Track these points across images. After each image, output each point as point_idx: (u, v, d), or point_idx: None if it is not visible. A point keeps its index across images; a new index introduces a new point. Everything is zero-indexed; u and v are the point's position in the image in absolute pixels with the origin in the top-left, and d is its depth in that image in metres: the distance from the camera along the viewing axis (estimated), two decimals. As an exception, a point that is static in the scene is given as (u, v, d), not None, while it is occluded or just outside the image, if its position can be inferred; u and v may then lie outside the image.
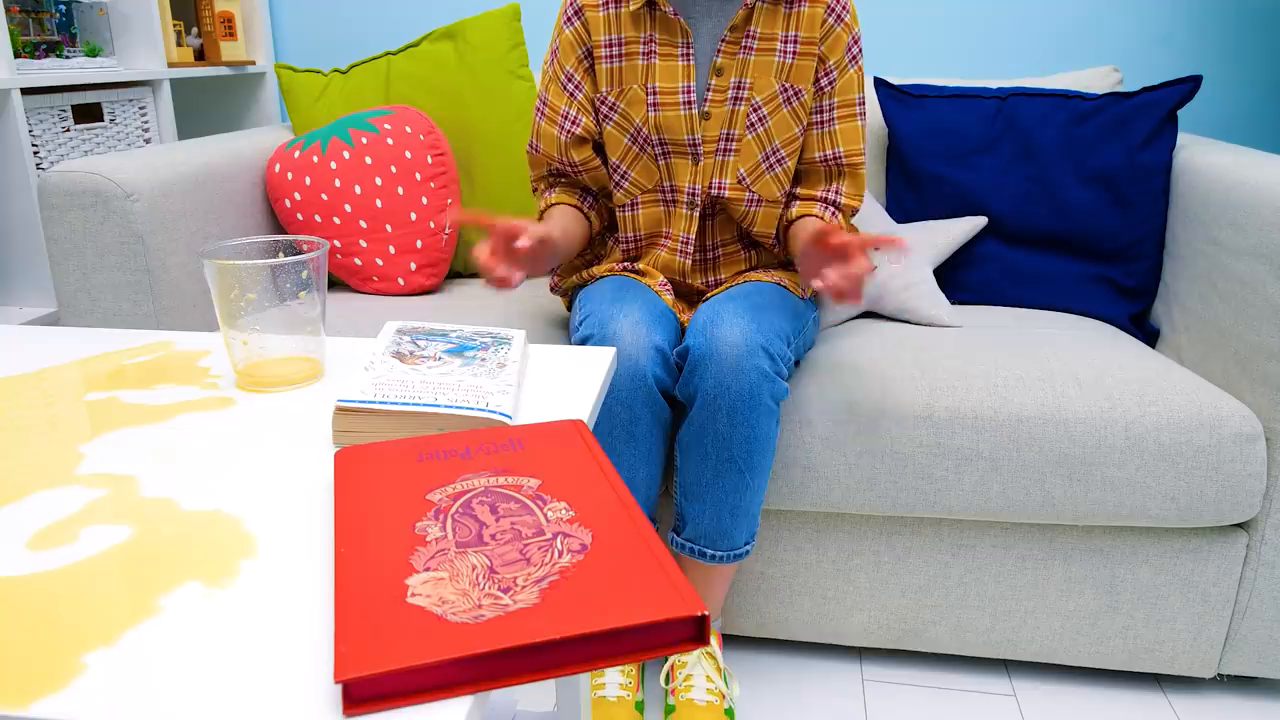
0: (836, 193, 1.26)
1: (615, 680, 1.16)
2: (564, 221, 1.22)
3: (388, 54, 1.68)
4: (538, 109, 1.28)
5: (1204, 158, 1.35)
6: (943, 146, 1.53)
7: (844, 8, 1.21)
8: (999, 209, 1.50)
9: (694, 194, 1.24)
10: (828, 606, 1.28)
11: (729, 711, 1.16)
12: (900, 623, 1.27)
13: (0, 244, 1.59)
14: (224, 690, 0.38)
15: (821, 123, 1.25)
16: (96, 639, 0.41)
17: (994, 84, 1.63)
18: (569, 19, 1.24)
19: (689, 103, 1.21)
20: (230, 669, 0.39)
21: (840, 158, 1.25)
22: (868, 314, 1.46)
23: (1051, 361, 1.21)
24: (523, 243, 0.97)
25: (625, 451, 1.10)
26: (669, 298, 1.25)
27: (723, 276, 1.31)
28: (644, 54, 1.21)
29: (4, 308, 1.61)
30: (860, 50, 1.24)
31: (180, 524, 0.51)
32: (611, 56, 1.23)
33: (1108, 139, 1.45)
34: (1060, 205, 1.47)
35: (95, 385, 0.71)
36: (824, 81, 1.23)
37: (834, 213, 1.27)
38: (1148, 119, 1.43)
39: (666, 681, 1.19)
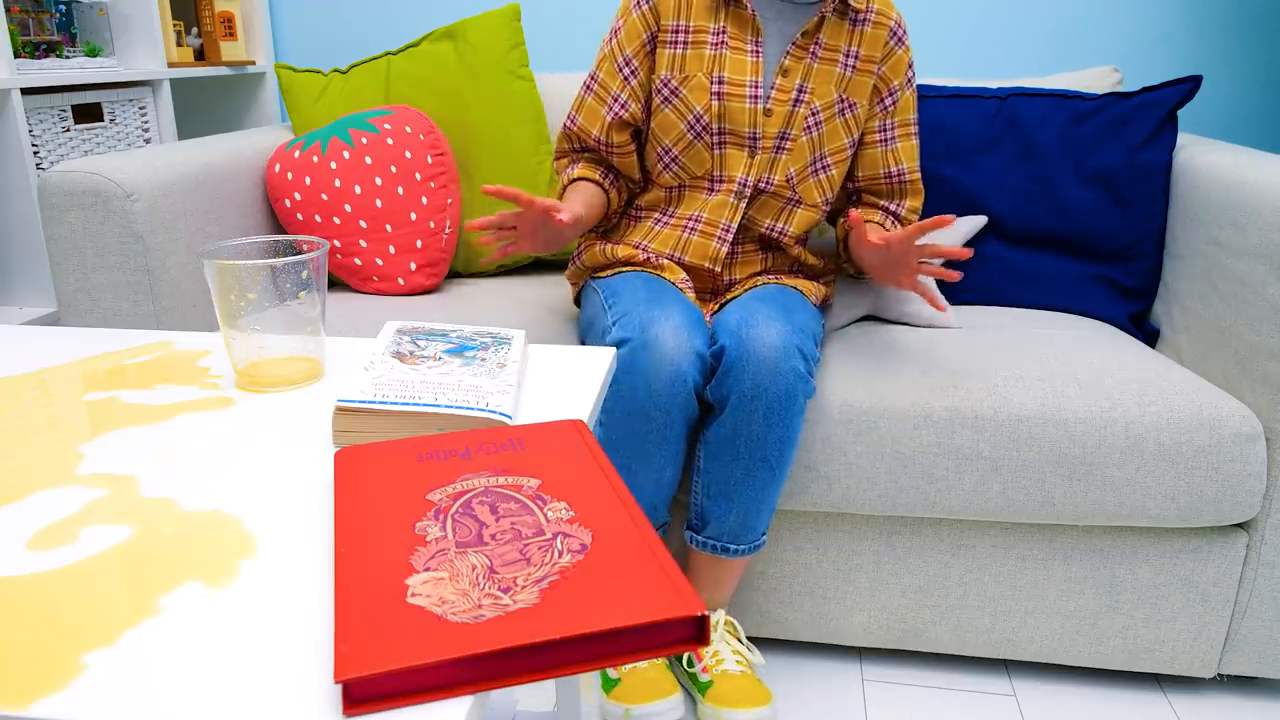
0: (899, 206, 1.33)
1: None
2: (587, 197, 1.25)
3: (388, 54, 1.68)
4: (587, 85, 1.31)
5: (1204, 158, 1.35)
6: (943, 146, 1.53)
7: (904, 31, 1.28)
8: (999, 209, 1.50)
9: (745, 185, 1.26)
10: (828, 606, 1.28)
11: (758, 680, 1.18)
12: (900, 623, 1.27)
13: (0, 244, 1.59)
14: (224, 690, 0.38)
15: (884, 140, 1.31)
16: (96, 639, 0.41)
17: (994, 84, 1.63)
18: (638, 3, 1.26)
19: (755, 97, 1.23)
20: (230, 669, 0.39)
21: (904, 174, 1.32)
22: (868, 317, 1.46)
23: (1051, 361, 1.21)
24: (563, 217, 1.06)
25: (656, 453, 1.10)
26: (692, 295, 1.25)
27: (737, 277, 1.32)
28: (713, 44, 1.23)
29: (4, 308, 1.61)
30: (914, 74, 1.32)
31: (180, 524, 0.51)
32: (677, 42, 1.25)
33: (1108, 139, 1.45)
34: (1060, 205, 1.47)
35: (95, 385, 0.71)
36: (888, 101, 1.29)
37: (894, 223, 1.33)
38: (1148, 119, 1.43)
39: (690, 665, 1.19)
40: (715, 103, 1.23)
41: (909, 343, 1.30)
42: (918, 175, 1.32)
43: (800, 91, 1.24)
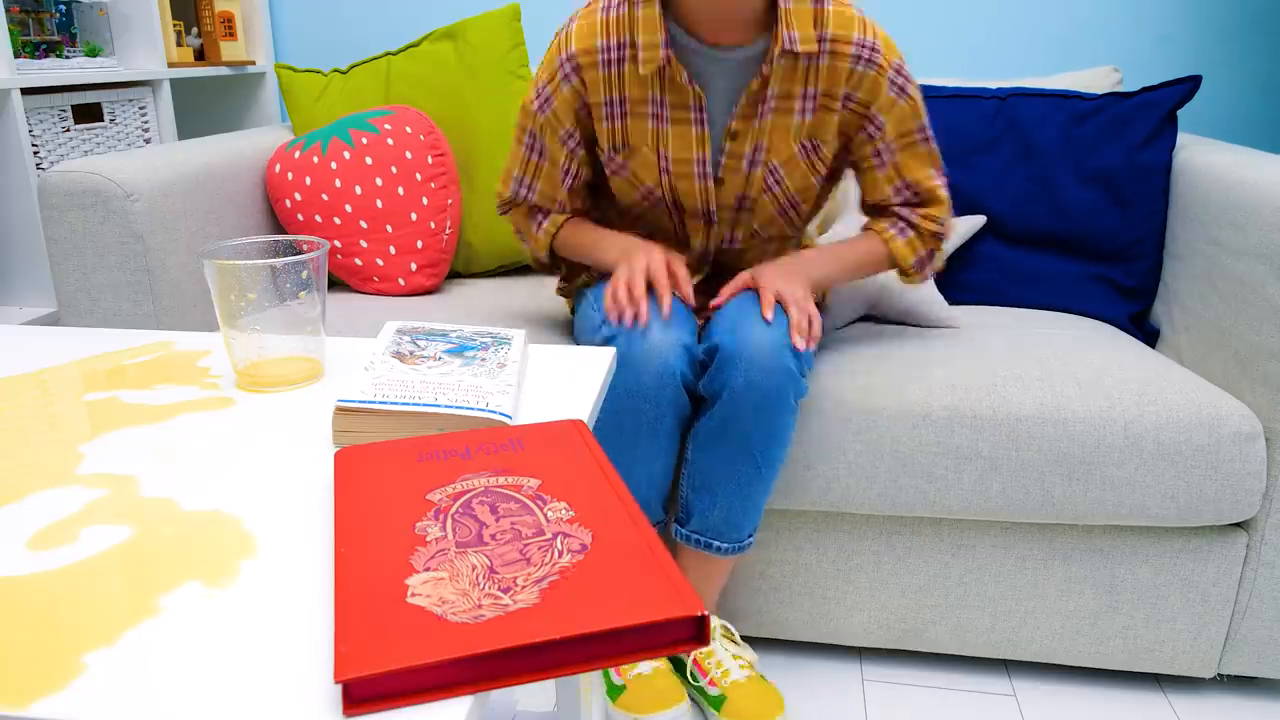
0: (913, 213, 1.21)
1: None
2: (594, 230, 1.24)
3: (388, 54, 1.68)
4: (534, 148, 1.22)
5: (1204, 158, 1.35)
6: (943, 146, 1.53)
7: (872, 49, 1.11)
8: (999, 209, 1.50)
9: (706, 255, 1.25)
10: (828, 606, 1.28)
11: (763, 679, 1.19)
12: (900, 623, 1.27)
13: (0, 244, 1.59)
14: (224, 690, 0.38)
15: (882, 164, 1.18)
16: (96, 639, 0.41)
17: (994, 84, 1.63)
18: (565, 76, 1.16)
19: (704, 175, 1.17)
20: (230, 669, 0.39)
21: (914, 187, 1.19)
22: (867, 317, 1.46)
23: (1051, 361, 1.21)
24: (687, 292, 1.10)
25: (647, 447, 1.10)
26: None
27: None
28: (653, 114, 1.15)
29: (4, 308, 1.61)
30: (906, 79, 1.14)
31: (180, 524, 0.51)
32: (614, 115, 1.17)
33: (1108, 139, 1.45)
34: (1060, 205, 1.47)
35: (95, 385, 0.71)
36: (872, 130, 1.16)
37: (904, 228, 1.21)
38: (1148, 119, 1.43)
39: (694, 679, 1.19)
40: (665, 177, 1.18)
41: (908, 342, 1.30)
42: (933, 185, 1.18)
43: (755, 152, 1.15)
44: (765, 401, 1.06)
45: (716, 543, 1.14)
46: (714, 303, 1.15)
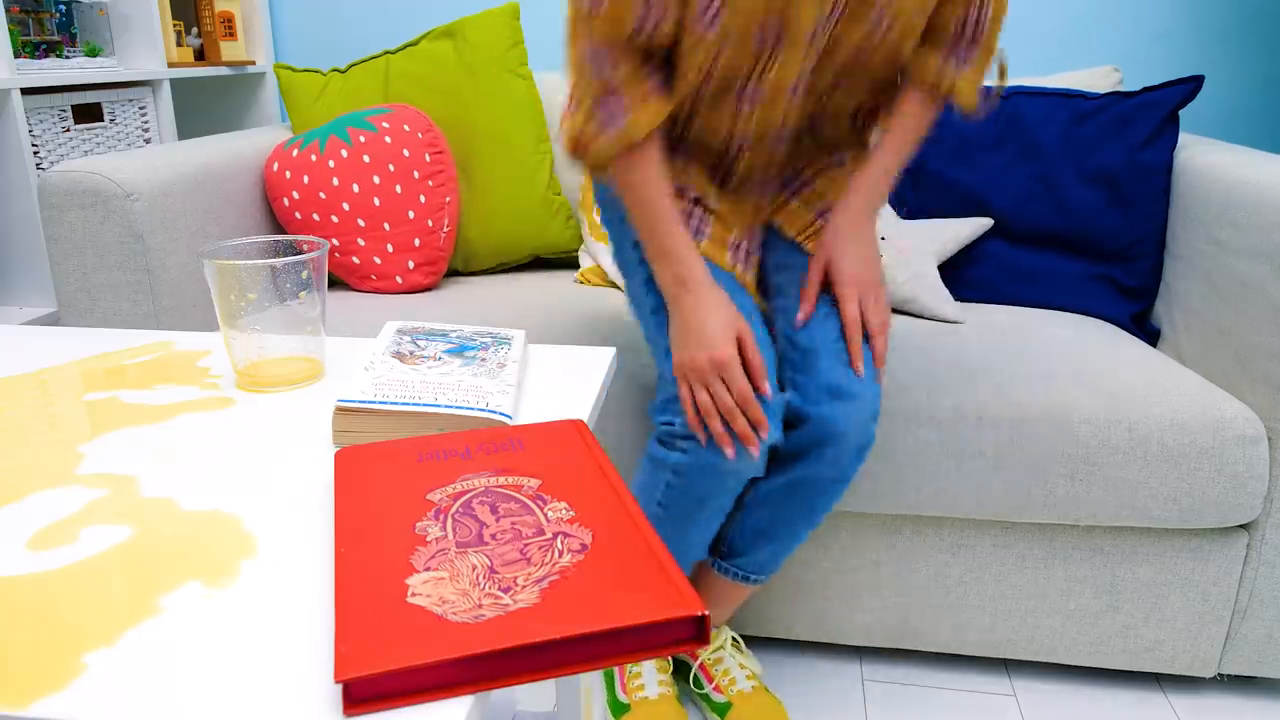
0: (963, 60, 0.98)
1: (653, 678, 1.16)
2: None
3: (387, 53, 1.68)
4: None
5: (1205, 157, 1.35)
6: (946, 145, 1.53)
7: None
8: (1001, 207, 1.50)
9: (780, 138, 1.01)
10: (828, 606, 1.28)
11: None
12: (900, 622, 1.27)
13: (0, 244, 1.59)
14: (224, 690, 0.38)
15: None
16: (96, 639, 0.41)
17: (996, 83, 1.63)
18: None
19: None
20: (230, 669, 0.39)
21: (974, 21, 0.97)
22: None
23: (1054, 360, 1.21)
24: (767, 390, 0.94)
25: (707, 525, 1.05)
26: (750, 278, 1.06)
27: (796, 190, 1.11)
28: None
29: (4, 308, 1.61)
30: None
31: (180, 524, 0.51)
32: None
33: (1109, 138, 1.45)
34: (1062, 204, 1.47)
35: (95, 385, 0.71)
36: None
37: (965, 50, 1.00)
38: (1149, 119, 1.43)
39: (699, 685, 1.19)
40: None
41: (911, 340, 1.30)
42: (992, 24, 0.96)
43: None
44: (844, 475, 1.01)
45: (754, 576, 1.13)
46: (799, 317, 1.01)
